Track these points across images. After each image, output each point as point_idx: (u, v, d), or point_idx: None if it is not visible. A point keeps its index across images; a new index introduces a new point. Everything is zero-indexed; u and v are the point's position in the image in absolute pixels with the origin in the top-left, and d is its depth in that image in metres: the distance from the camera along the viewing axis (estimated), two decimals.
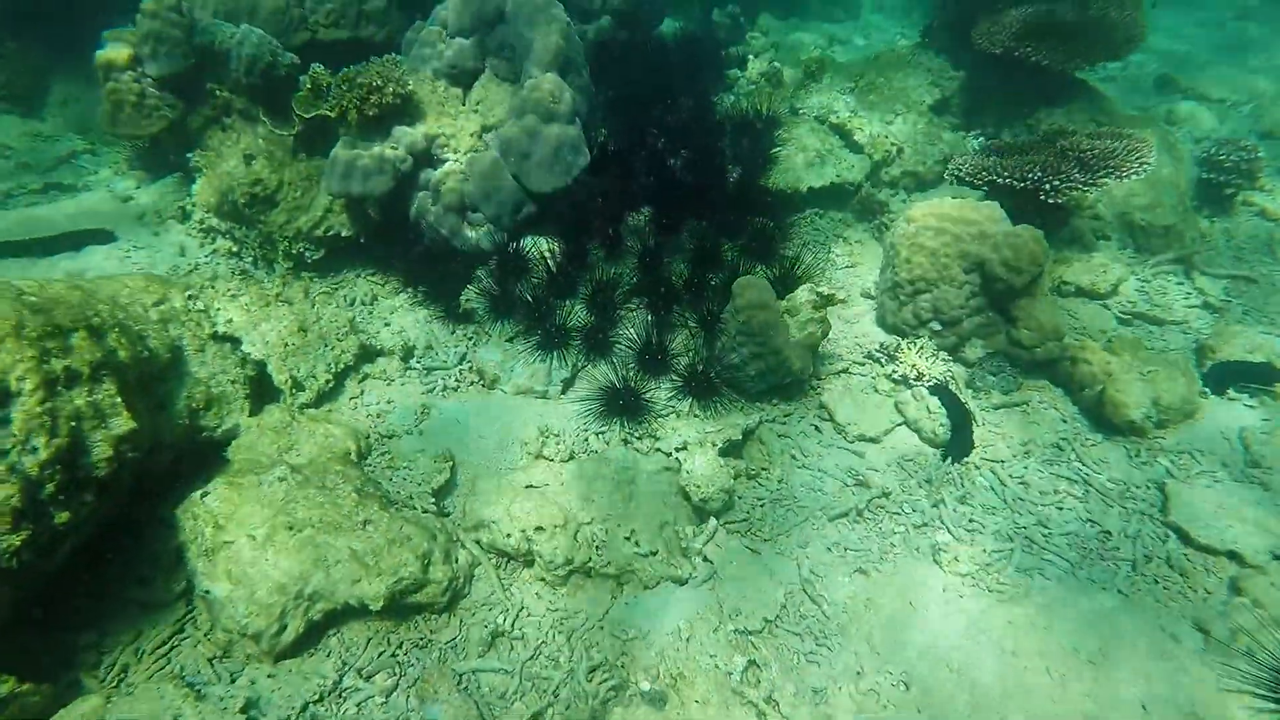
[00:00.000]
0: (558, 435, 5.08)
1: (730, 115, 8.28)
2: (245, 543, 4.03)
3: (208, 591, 3.95)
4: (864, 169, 7.74)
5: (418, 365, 5.57)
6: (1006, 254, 5.35)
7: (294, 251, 6.35)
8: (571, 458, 4.88)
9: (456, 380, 5.47)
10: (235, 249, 6.56)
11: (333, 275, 6.54)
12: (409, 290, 6.23)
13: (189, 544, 4.08)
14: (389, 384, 5.40)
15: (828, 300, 5.29)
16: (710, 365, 5.35)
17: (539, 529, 4.35)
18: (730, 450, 5.01)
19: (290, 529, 4.08)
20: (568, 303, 5.87)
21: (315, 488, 4.30)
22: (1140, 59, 10.97)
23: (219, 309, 4.93)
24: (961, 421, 5.21)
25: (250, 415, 4.79)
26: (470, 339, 5.87)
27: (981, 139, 8.43)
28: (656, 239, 6.16)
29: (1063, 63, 7.38)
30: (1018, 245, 5.34)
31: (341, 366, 5.21)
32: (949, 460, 5.09)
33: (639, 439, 5.11)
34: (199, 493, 4.20)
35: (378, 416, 5.14)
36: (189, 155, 6.64)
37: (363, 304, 6.25)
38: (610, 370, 5.41)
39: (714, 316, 5.45)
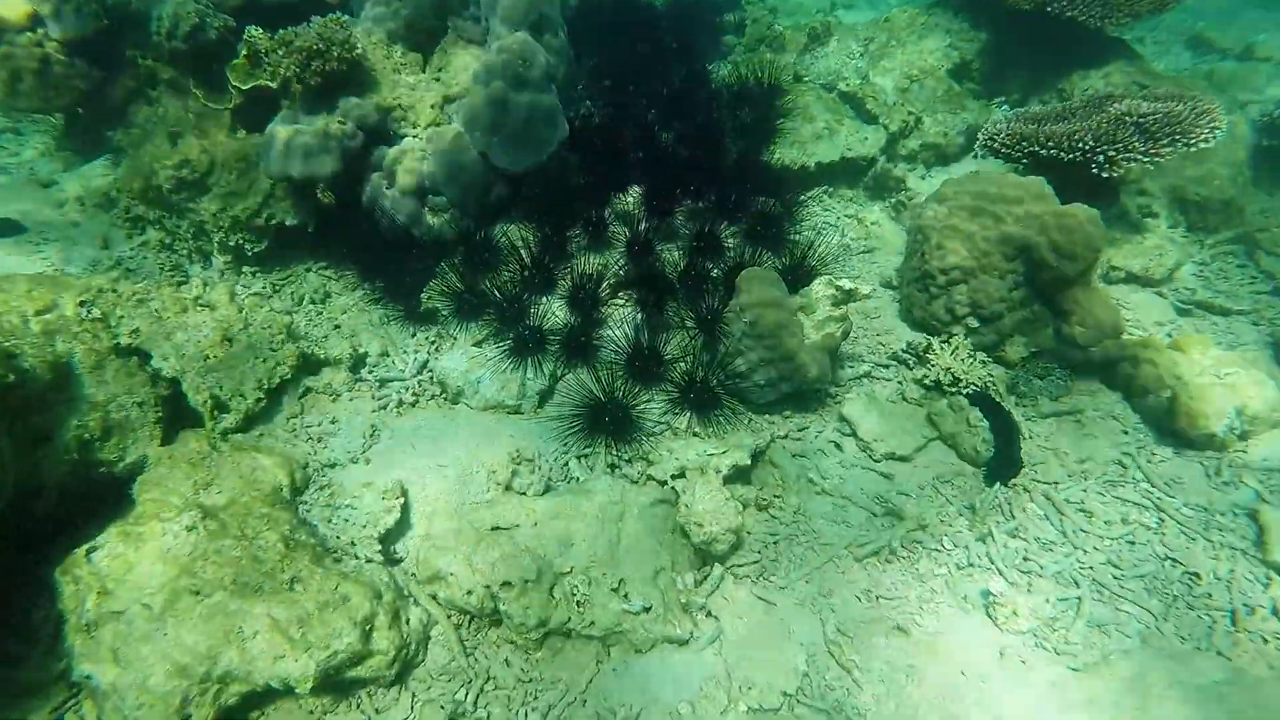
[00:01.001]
0: (531, 461, 4.25)
1: (728, 84, 7.39)
2: (138, 612, 3.20)
3: (89, 676, 3.13)
4: (879, 142, 6.86)
5: (369, 377, 4.72)
6: (1057, 237, 4.51)
7: (232, 244, 5.48)
8: (548, 490, 4.05)
9: (414, 394, 4.62)
10: (168, 240, 5.69)
11: (279, 269, 5.67)
12: (366, 285, 5.37)
13: (69, 614, 3.25)
14: (334, 400, 4.55)
15: (849, 295, 4.45)
16: (711, 373, 4.52)
17: (506, 584, 3.54)
18: (737, 476, 4.18)
19: (196, 594, 3.26)
20: (545, 300, 5.02)
21: (233, 537, 3.46)
22: (1169, 18, 10.05)
23: (122, 316, 4.07)
24: (1007, 436, 4.39)
25: (162, 445, 3.95)
26: (432, 343, 5.01)
27: (1006, 107, 7.55)
28: (647, 224, 5.30)
29: (1101, 18, 6.50)
30: (1070, 227, 4.49)
31: (276, 381, 4.36)
32: (994, 483, 4.28)
33: (628, 462, 4.28)
34: (86, 548, 3.36)
35: (319, 440, 4.30)
36: (110, 133, 5.75)
37: (312, 302, 5.40)
38: (594, 380, 4.58)
39: (715, 315, 4.61)
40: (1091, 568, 3.80)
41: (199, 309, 4.30)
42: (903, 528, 4.05)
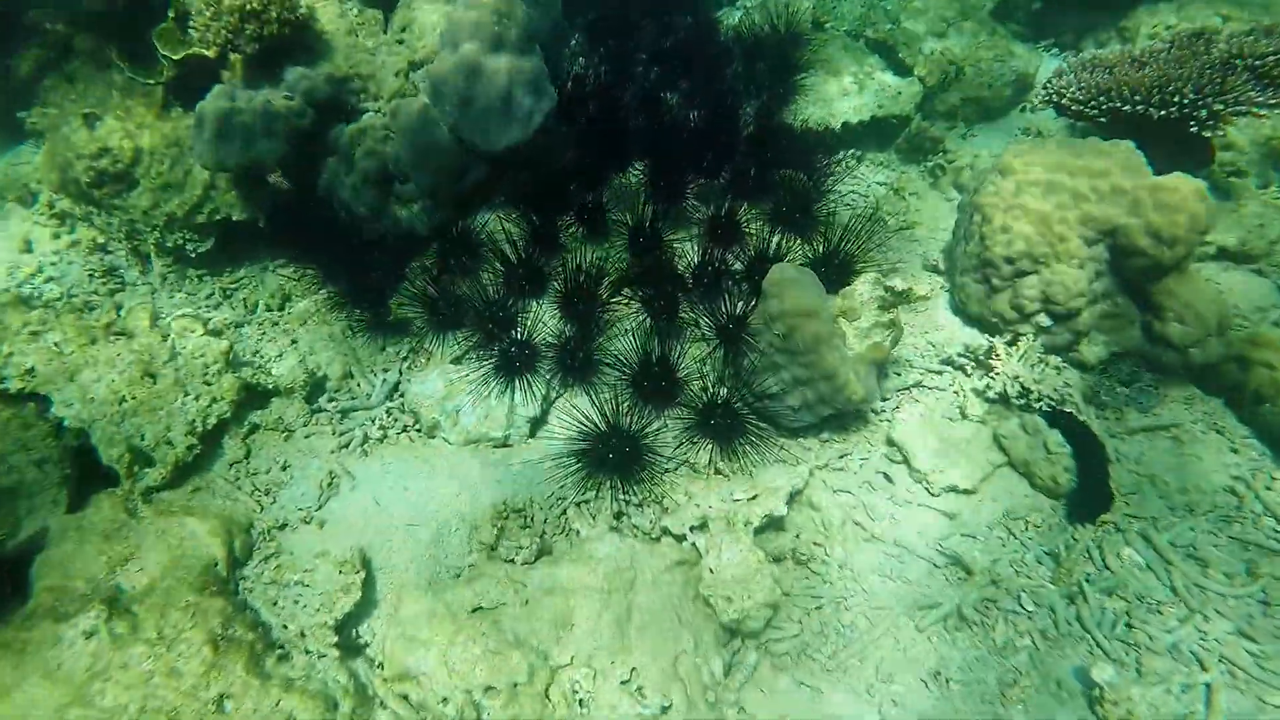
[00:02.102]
0: (521, 513, 3.48)
1: (738, 34, 6.42)
2: None
3: None
4: (914, 97, 5.91)
5: (329, 407, 3.92)
6: (1154, 218, 3.63)
7: (171, 245, 4.65)
8: (541, 554, 3.29)
9: (382, 428, 3.84)
10: (101, 240, 4.87)
11: (230, 271, 4.85)
12: (329, 287, 4.53)
13: None
14: (287, 438, 3.77)
15: (902, 297, 3.61)
16: (735, 393, 3.72)
17: (490, 689, 2.80)
18: (771, 525, 3.42)
19: None
20: (535, 304, 4.19)
21: (146, 642, 2.73)
22: None
23: (11, 354, 3.27)
24: (1094, 462, 3.59)
25: (69, 512, 3.20)
26: (404, 359, 4.21)
27: (1056, 50, 6.57)
28: (653, 207, 4.43)
29: None
30: (1171, 205, 3.61)
31: (214, 422, 3.58)
32: (1079, 520, 3.50)
33: (639, 506, 3.51)
34: None
35: (266, 493, 3.53)
36: (21, 115, 4.89)
37: (268, 309, 4.59)
38: (595, 401, 3.79)
39: (738, 322, 3.78)
40: (1218, 640, 3.03)
41: (112, 339, 3.50)
42: (973, 586, 3.28)
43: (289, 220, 4.61)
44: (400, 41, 4.60)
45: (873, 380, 3.68)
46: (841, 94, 5.89)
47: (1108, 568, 3.30)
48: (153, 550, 3.05)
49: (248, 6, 4.09)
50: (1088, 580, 3.26)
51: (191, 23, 4.24)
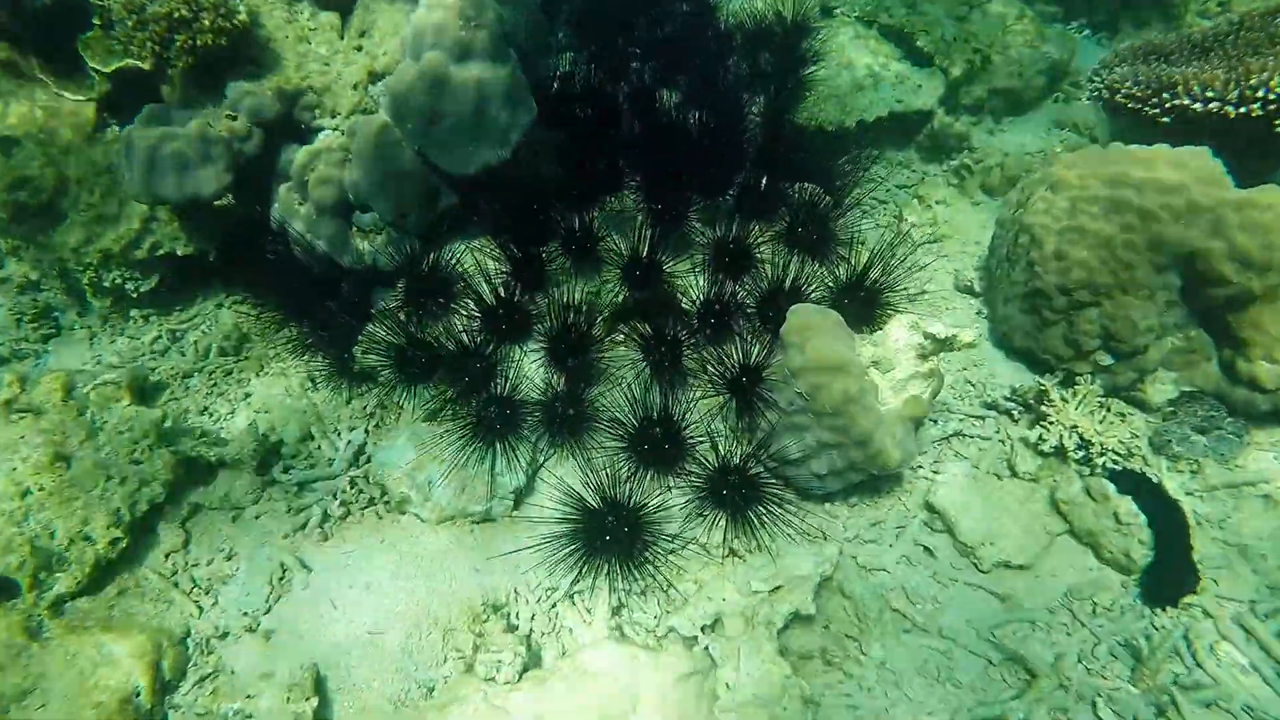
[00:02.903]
0: (504, 610, 2.94)
1: (741, 23, 5.78)
2: None
3: None
4: (936, 90, 5.27)
5: (284, 478, 3.37)
6: (1241, 240, 3.04)
7: (108, 284, 4.08)
8: (527, 668, 2.74)
9: (344, 503, 3.29)
10: (34, 276, 4.30)
11: (180, 309, 4.29)
12: (290, 326, 3.95)
13: None
14: (235, 518, 3.22)
15: (945, 345, 3.04)
16: (750, 456, 3.16)
17: None
18: (797, 622, 2.87)
19: None
20: (517, 349, 3.62)
21: None
22: None
23: None
24: (1172, 531, 3.03)
25: None
26: (370, 416, 3.66)
27: (1089, 31, 5.92)
28: (652, 232, 3.83)
29: None
30: (1263, 225, 3.02)
31: (145, 508, 3.03)
32: (1159, 603, 2.95)
33: (640, 595, 2.97)
34: None
35: (206, 591, 2.99)
36: None
37: (223, 353, 4.03)
38: (588, 468, 3.24)
39: (752, 373, 3.21)
40: None
41: (14, 418, 2.94)
42: (1035, 692, 2.74)
43: (242, 253, 4.03)
44: (359, 49, 3.99)
45: (911, 441, 3.11)
46: (855, 88, 5.27)
47: (1200, 667, 2.75)
48: (59, 680, 2.52)
49: (175, 14, 3.49)
50: (1177, 684, 2.71)
51: (113, 34, 3.64)
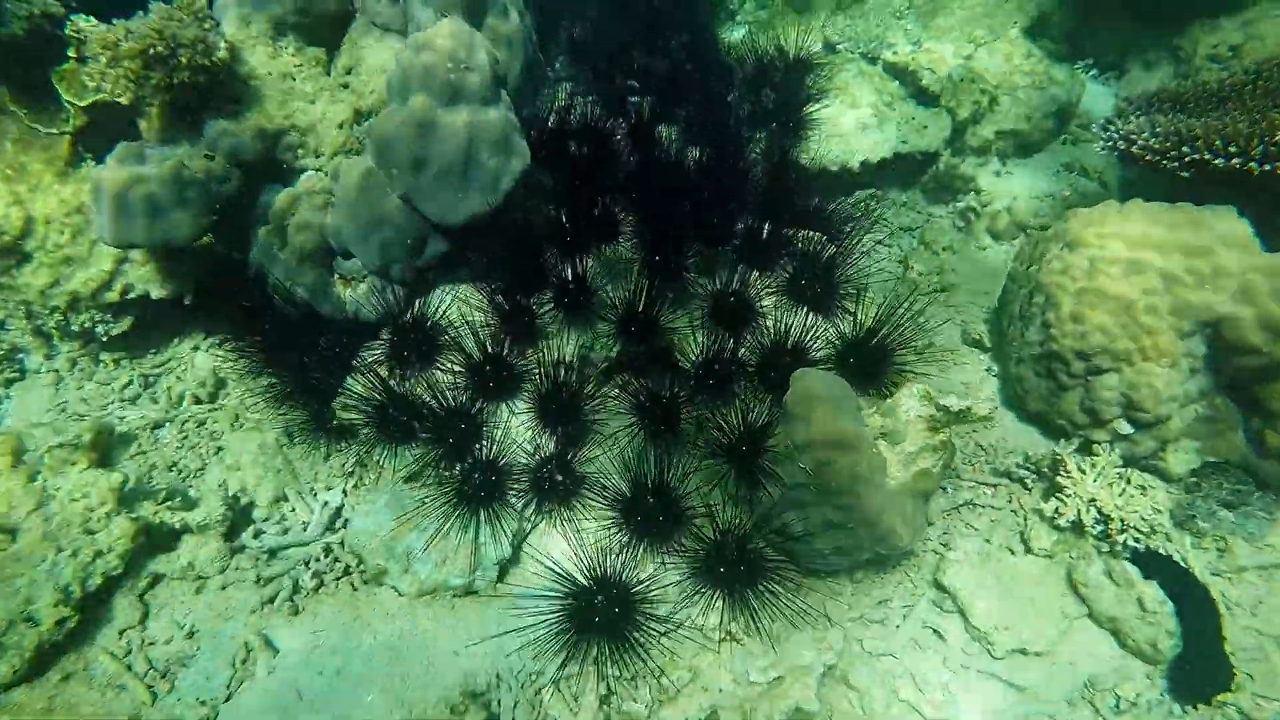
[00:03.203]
0: (485, 699, 2.72)
1: (741, 57, 5.64)
2: None
3: None
4: (942, 131, 5.11)
5: (254, 544, 3.16)
6: (1272, 308, 2.87)
7: (77, 327, 3.88)
8: None
9: (317, 574, 3.07)
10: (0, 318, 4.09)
11: (154, 352, 4.08)
12: (269, 374, 3.74)
13: None
14: (199, 589, 3.00)
15: (958, 417, 2.85)
16: (751, 532, 2.95)
17: None
18: (798, 717, 2.65)
19: None
20: (504, 407, 3.42)
21: None
22: None
23: None
24: (1201, 618, 2.83)
25: None
26: (350, 475, 3.45)
27: (1095, 72, 5.78)
28: (649, 283, 3.64)
29: None
30: None
31: (99, 581, 2.81)
32: (1189, 701, 2.74)
33: (631, 682, 2.76)
34: None
35: (163, 674, 2.77)
36: None
37: (197, 400, 3.83)
38: (576, 536, 3.03)
39: (753, 441, 3.00)
40: None
41: None
42: None
43: (220, 298, 3.83)
44: (345, 86, 3.81)
45: (921, 517, 2.91)
46: (860, 127, 5.10)
47: None
48: None
49: (151, 51, 3.31)
50: None
51: (86, 71, 3.45)
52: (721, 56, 5.88)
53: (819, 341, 3.50)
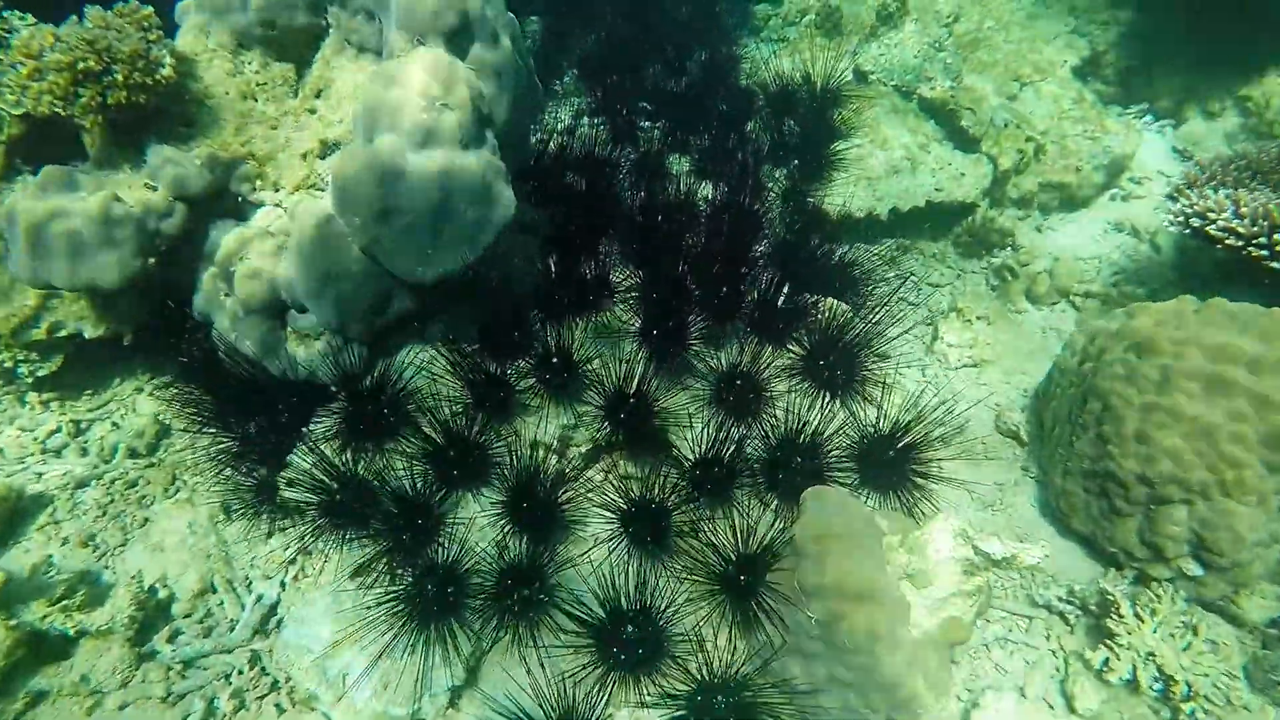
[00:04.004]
0: None
1: (763, 82, 5.14)
2: None
3: None
4: (981, 178, 4.60)
5: (167, 651, 2.69)
6: None
7: (2, 365, 3.43)
8: None
9: (236, 692, 2.60)
10: None
11: (91, 393, 3.62)
12: (216, 428, 3.26)
13: None
14: (92, 710, 2.54)
15: (1000, 564, 2.37)
16: (745, 680, 2.47)
17: None
18: None
19: None
20: (471, 496, 2.94)
21: None
22: None
23: None
24: None
25: None
26: (289, 565, 2.98)
27: (1150, 117, 5.25)
28: (646, 358, 3.15)
29: None
30: None
31: None
32: None
33: None
34: None
35: None
36: None
37: (133, 454, 3.37)
38: (541, 663, 2.56)
39: (754, 569, 2.52)
40: None
41: None
42: None
43: (162, 341, 3.37)
44: (312, 111, 3.32)
45: (946, 671, 2.43)
46: (890, 171, 4.60)
47: None
48: None
49: (81, 66, 2.83)
50: None
51: (4, 81, 2.98)
52: (739, 76, 5.39)
53: (836, 436, 3.02)
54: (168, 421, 3.54)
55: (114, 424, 3.50)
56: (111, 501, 3.18)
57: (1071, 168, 4.60)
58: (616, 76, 5.46)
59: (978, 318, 4.06)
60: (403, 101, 2.70)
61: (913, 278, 4.56)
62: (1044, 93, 4.92)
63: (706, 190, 4.38)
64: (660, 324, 3.04)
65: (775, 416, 3.07)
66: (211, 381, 3.15)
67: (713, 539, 2.64)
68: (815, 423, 2.99)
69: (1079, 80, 5.13)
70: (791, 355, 3.30)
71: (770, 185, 4.59)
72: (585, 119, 5.24)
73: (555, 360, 2.97)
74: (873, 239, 4.73)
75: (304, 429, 3.09)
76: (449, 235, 2.87)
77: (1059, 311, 4.30)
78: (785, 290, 3.36)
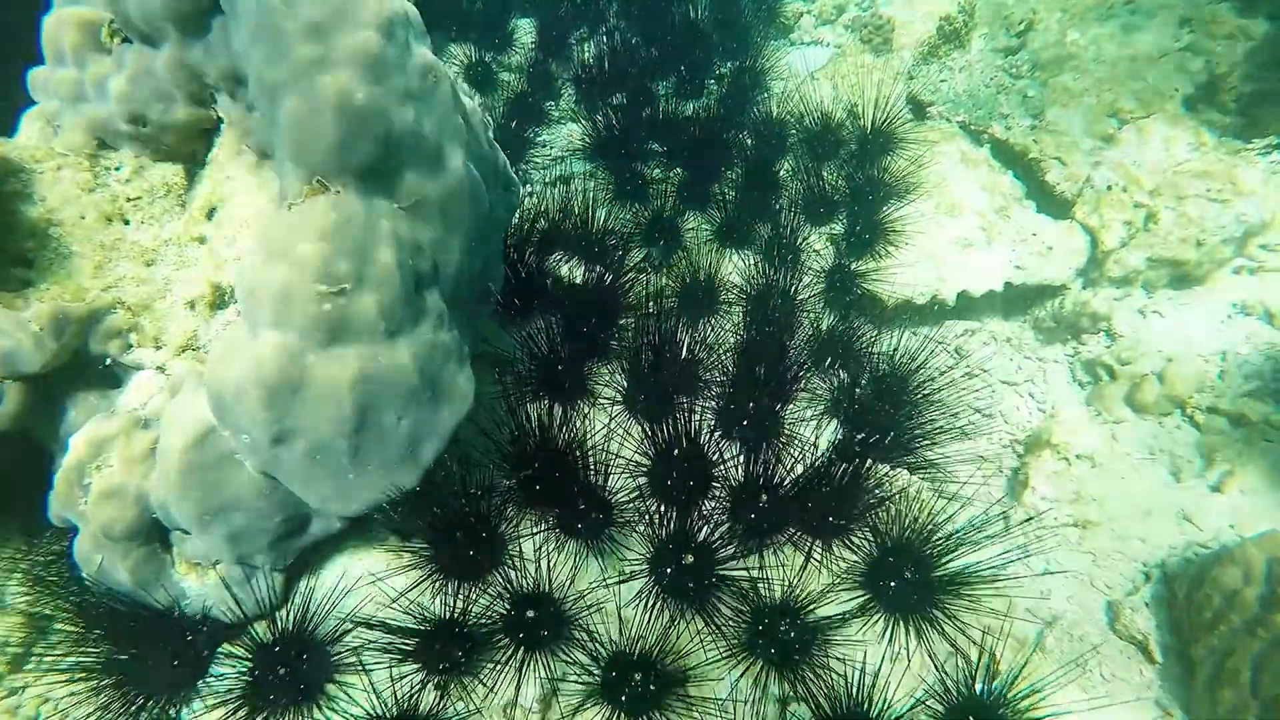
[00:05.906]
0: None
1: (800, 114, 4.16)
2: None
3: None
4: (1075, 255, 3.64)
5: None
6: None
7: None
8: None
9: None
10: None
11: None
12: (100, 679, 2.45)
13: None
14: None
15: None
16: None
17: None
18: None
19: None
20: None
21: None
22: None
23: None
24: None
25: None
26: None
27: (1276, 154, 4.21)
28: (659, 599, 2.30)
29: None
30: None
31: None
32: None
33: None
34: None
35: None
36: None
37: None
38: None
39: None
40: None
41: None
42: None
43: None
44: (202, 240, 2.42)
45: None
46: (960, 244, 3.66)
47: None
48: None
49: None
50: None
51: None
52: (770, 110, 4.38)
53: (900, 661, 2.19)
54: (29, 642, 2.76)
55: None
56: None
57: (1191, 240, 3.62)
58: (620, 96, 4.53)
59: (1077, 456, 3.16)
60: (291, 287, 1.80)
61: (983, 375, 3.66)
62: (1149, 133, 3.90)
63: (731, 271, 3.50)
64: (677, 558, 2.18)
65: (832, 671, 2.22)
66: (77, 608, 2.35)
67: None
68: (892, 686, 2.15)
69: (1190, 111, 4.09)
70: (846, 559, 2.44)
71: (807, 255, 3.68)
72: (584, 162, 4.33)
73: (532, 615, 2.13)
74: (934, 321, 3.82)
75: (201, 680, 2.29)
76: (375, 456, 2.00)
77: (1172, 430, 3.39)
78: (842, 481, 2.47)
